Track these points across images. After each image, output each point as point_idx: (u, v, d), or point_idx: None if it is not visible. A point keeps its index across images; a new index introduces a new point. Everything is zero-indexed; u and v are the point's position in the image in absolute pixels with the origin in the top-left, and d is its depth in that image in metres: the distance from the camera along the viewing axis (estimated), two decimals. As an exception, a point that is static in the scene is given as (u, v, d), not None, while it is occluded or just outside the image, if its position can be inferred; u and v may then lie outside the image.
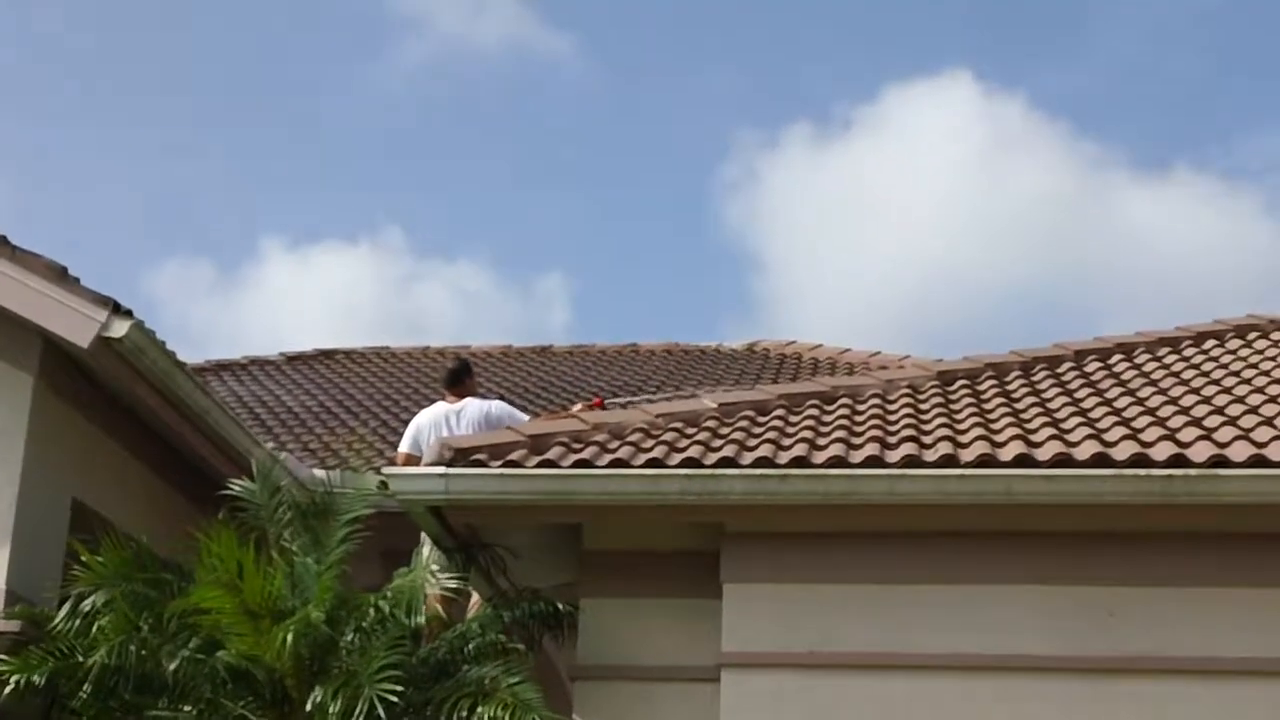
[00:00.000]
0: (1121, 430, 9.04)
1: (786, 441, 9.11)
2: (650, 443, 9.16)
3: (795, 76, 39.94)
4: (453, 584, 9.17)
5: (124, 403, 10.53)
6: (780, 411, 10.01)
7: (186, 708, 8.75)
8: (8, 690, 8.86)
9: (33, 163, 38.52)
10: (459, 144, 40.37)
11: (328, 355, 18.67)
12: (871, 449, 8.79)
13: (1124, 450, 8.59)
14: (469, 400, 11.04)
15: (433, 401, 11.96)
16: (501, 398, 13.49)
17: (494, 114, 39.94)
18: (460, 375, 11.47)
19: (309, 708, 8.48)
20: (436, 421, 10.83)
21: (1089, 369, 11.24)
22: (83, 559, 9.04)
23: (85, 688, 8.80)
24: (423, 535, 9.55)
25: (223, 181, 39.41)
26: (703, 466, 8.69)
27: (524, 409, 14.36)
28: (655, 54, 39.09)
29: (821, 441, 9.10)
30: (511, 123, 40.06)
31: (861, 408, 10.14)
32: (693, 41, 39.42)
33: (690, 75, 40.12)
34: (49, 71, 37.88)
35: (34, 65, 37.86)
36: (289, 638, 8.43)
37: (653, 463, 8.76)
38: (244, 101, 39.15)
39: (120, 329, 9.62)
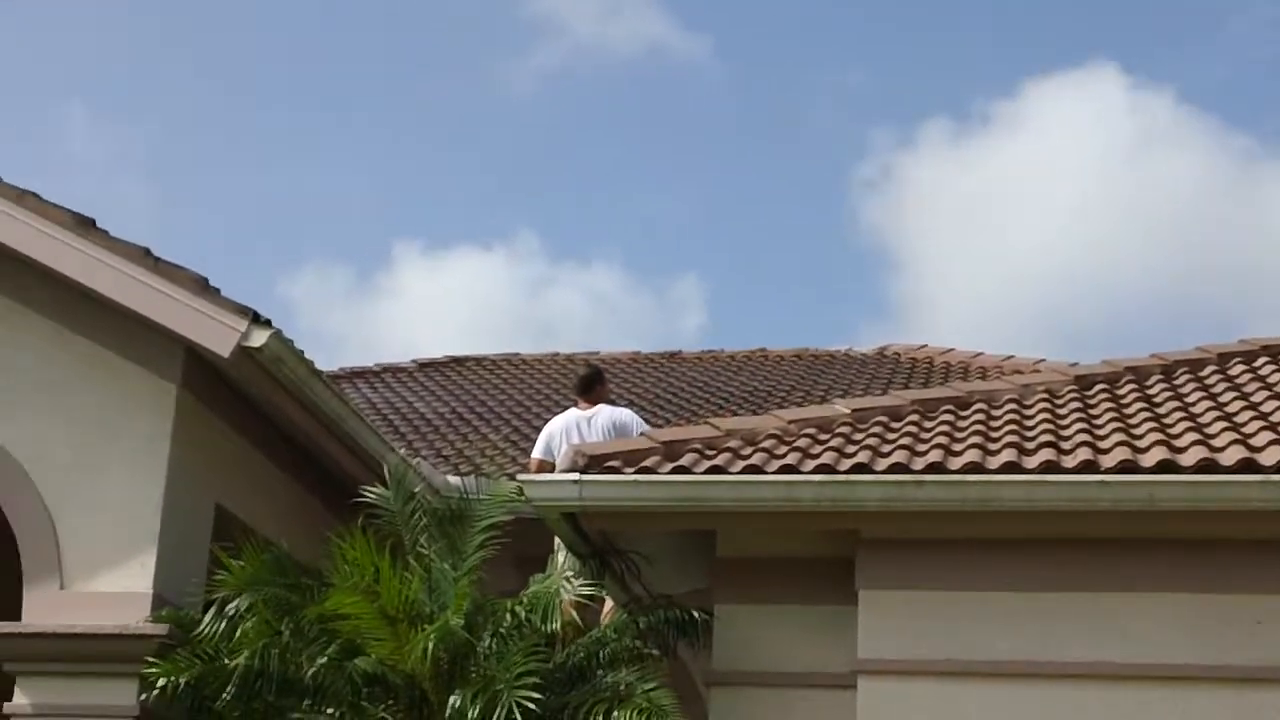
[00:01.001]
0: (1268, 435, 8.85)
1: (921, 447, 9.04)
2: (784, 449, 9.13)
3: (931, 72, 39.51)
4: (588, 590, 9.21)
5: (263, 410, 10.69)
6: (914, 417, 9.95)
7: (328, 711, 8.87)
8: (155, 692, 9.04)
9: (177, 170, 39.20)
10: (594, 147, 40.47)
11: (459, 362, 18.82)
12: (1009, 455, 8.70)
13: (1271, 455, 8.42)
14: (600, 407, 11.08)
15: (564, 408, 12.02)
16: (631, 404, 13.54)
17: (629, 116, 39.93)
18: (592, 382, 11.51)
19: (447, 713, 8.56)
20: (568, 428, 10.89)
21: (1233, 372, 11.03)
22: (225, 564, 9.20)
23: (229, 690, 8.96)
24: (557, 541, 9.60)
25: (360, 186, 39.79)
26: (837, 472, 8.65)
27: (653, 415, 14.44)
28: (790, 53, 38.85)
29: (957, 447, 9.02)
30: (646, 125, 40.04)
31: (997, 413, 10.04)
32: (827, 40, 39.19)
33: (825, 74, 39.92)
34: (186, 80, 38.51)
35: (172, 75, 38.52)
36: (429, 644, 8.51)
37: (786, 469, 8.74)
38: (379, 106, 39.51)
39: (260, 338, 9.77)
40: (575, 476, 8.76)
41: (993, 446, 9.00)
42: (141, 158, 39.31)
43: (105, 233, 10.01)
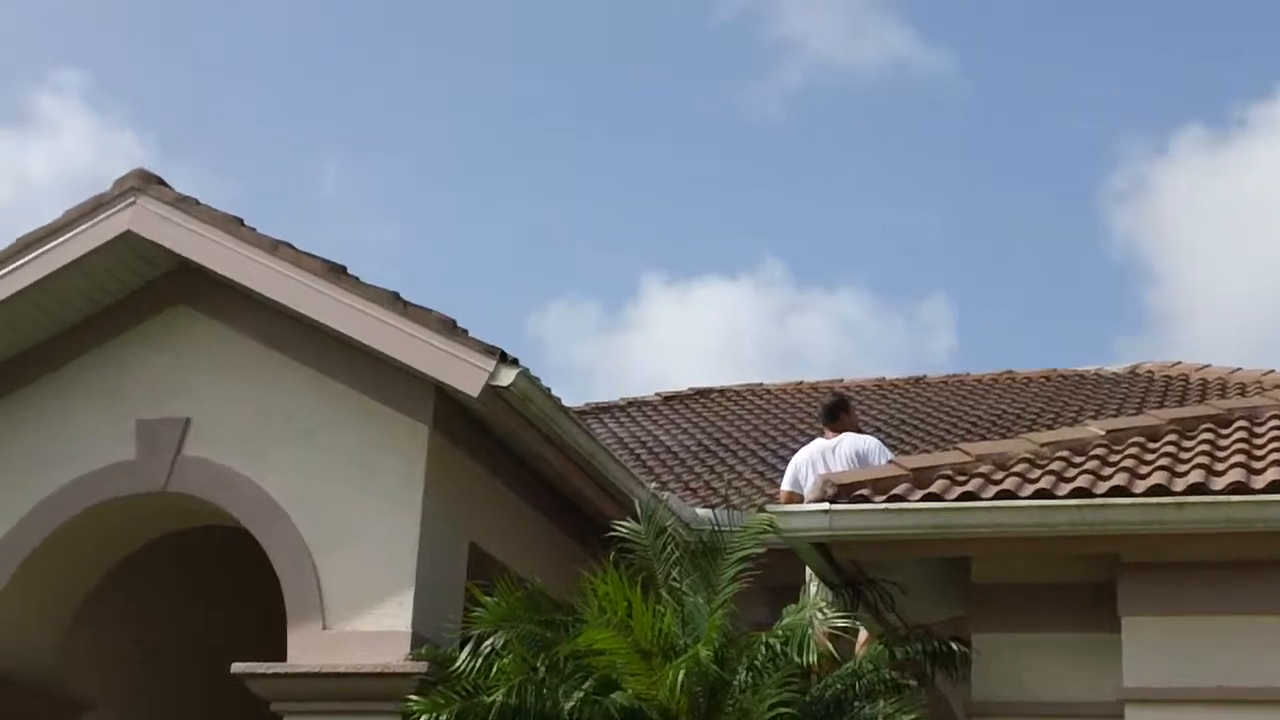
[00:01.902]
0: None
1: (1181, 468, 8.76)
2: (1037, 473, 8.94)
3: (1184, 78, 38.44)
4: (841, 621, 9.12)
5: (513, 448, 10.82)
6: (1172, 437, 9.65)
7: (585, 747, 8.90)
8: (416, 729, 9.18)
9: (424, 209, 40.03)
10: (838, 168, 40.25)
11: (703, 394, 18.85)
12: (1274, 473, 8.37)
13: None
14: (845, 435, 10.99)
15: (809, 437, 11.94)
16: (876, 431, 13.40)
17: (873, 135, 39.64)
18: (836, 410, 11.42)
19: (703, 746, 8.53)
20: (814, 459, 10.82)
21: None
22: (481, 602, 9.31)
23: (487, 726, 9.04)
24: (809, 572, 9.52)
25: (606, 220, 40.21)
26: (1093, 496, 8.42)
27: (899, 442, 14.27)
28: (1036, 64, 38.19)
29: (1219, 467, 8.72)
30: (892, 144, 39.72)
31: (1260, 430, 9.69)
32: (1073, 50, 38.41)
33: (1072, 84, 39.11)
34: (438, 123, 39.34)
35: (423, 119, 39.38)
36: (680, 676, 8.50)
37: (1041, 493, 8.54)
38: (622, 137, 39.86)
39: (507, 377, 9.89)
40: (825, 506, 8.68)
41: (1257, 465, 8.67)
42: (394, 200, 40.26)
43: (356, 279, 10.25)
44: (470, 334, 10.04)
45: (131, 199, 10.57)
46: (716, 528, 9.68)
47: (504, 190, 39.99)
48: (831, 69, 40.79)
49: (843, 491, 8.78)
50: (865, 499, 8.70)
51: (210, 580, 12.50)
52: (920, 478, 8.94)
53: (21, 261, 10.57)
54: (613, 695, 8.89)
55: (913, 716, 8.36)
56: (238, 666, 9.96)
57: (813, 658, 8.88)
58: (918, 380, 19.00)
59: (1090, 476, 8.68)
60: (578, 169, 39.36)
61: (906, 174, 39.44)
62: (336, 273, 10.26)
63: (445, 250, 40.09)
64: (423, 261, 38.95)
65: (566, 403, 10.92)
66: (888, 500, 8.67)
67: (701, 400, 18.53)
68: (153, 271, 10.86)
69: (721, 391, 18.98)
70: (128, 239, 10.59)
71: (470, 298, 38.80)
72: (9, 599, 10.61)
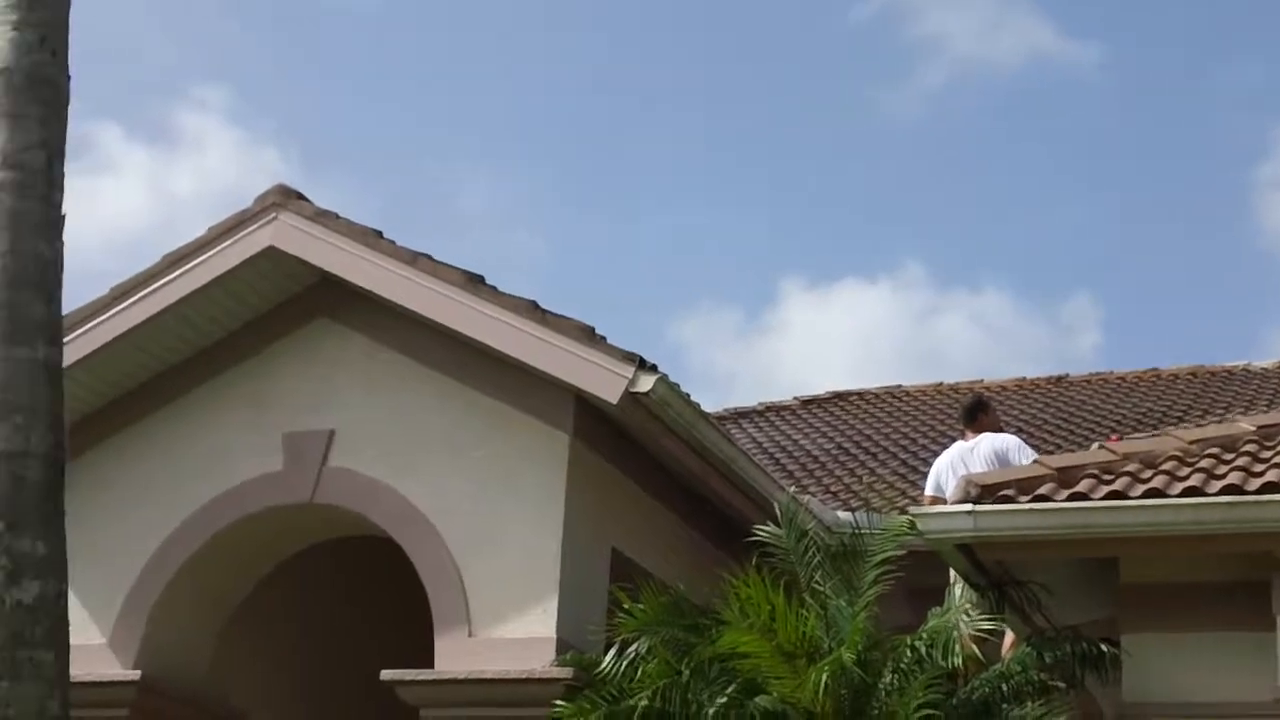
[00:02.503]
0: None
1: (1335, 463, 8.57)
2: (1186, 470, 8.78)
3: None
4: (987, 623, 9.02)
5: (653, 454, 10.84)
6: (1326, 431, 9.44)
7: (732, 751, 8.89)
8: (564, 734, 9.23)
9: (563, 218, 40.13)
10: (978, 167, 39.58)
11: (841, 398, 18.76)
12: None
13: None
14: (983, 436, 10.88)
15: (948, 439, 11.85)
16: (1019, 431, 13.24)
17: (1014, 132, 38.91)
18: (975, 411, 11.31)
19: (849, 750, 8.49)
20: (954, 462, 10.72)
21: None
22: (624, 607, 9.34)
23: (633, 730, 9.07)
24: (953, 574, 9.44)
25: (745, 224, 40.07)
26: (1245, 493, 8.26)
27: (1041, 442, 14.09)
28: (1179, 55, 37.19)
29: (1375, 461, 8.52)
30: (1032, 139, 38.95)
31: None
32: (1217, 38, 37.35)
33: (1218, 73, 38.14)
34: (566, 131, 39.49)
35: (554, 127, 39.58)
36: (824, 679, 8.47)
37: (1191, 491, 8.39)
38: (759, 142, 39.68)
39: (646, 383, 9.91)
40: (969, 507, 8.60)
41: None
42: (535, 210, 40.51)
43: (494, 289, 10.33)
44: (609, 341, 10.08)
45: (273, 214, 10.75)
46: (857, 530, 9.63)
47: (644, 198, 40.04)
48: (972, 66, 40.21)
49: (986, 492, 8.69)
50: (1010, 499, 8.60)
51: (356, 589, 12.67)
52: (1066, 477, 8.82)
53: (168, 278, 10.79)
54: (757, 699, 8.87)
55: (1062, 719, 8.25)
56: (387, 674, 10.09)
57: (959, 660, 8.80)
58: (1060, 379, 18.75)
59: (1241, 473, 8.51)
60: (716, 174, 39.22)
61: (1049, 171, 38.74)
62: (475, 283, 10.35)
63: (585, 259, 40.20)
64: (563, 270, 39.09)
65: (706, 408, 10.92)
66: (1033, 500, 8.57)
67: (839, 404, 18.44)
68: (295, 285, 11.03)
69: (860, 395, 18.87)
70: (270, 254, 10.78)
71: (611, 306, 38.86)
72: (164, 610, 10.83)
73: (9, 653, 5.98)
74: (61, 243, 6.43)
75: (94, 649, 10.44)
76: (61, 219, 6.45)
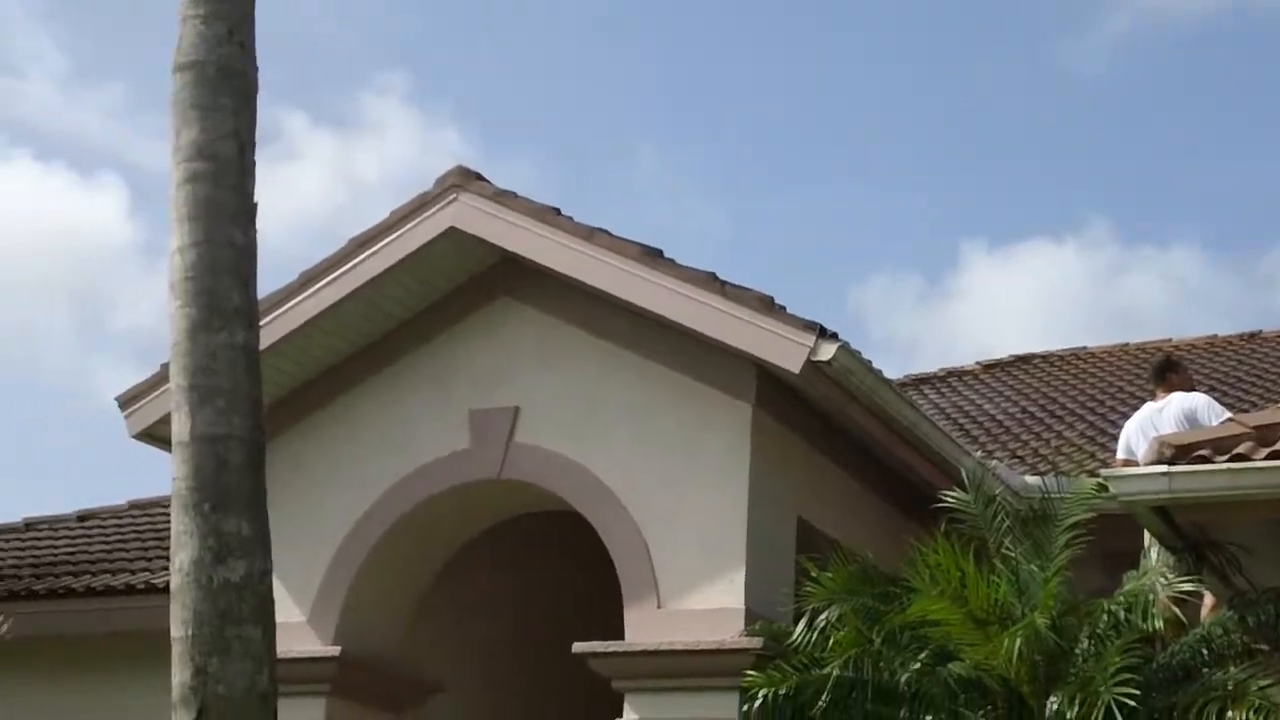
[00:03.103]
0: None
1: None
2: (1390, 425, 8.55)
3: None
4: (1186, 585, 8.87)
5: (835, 422, 10.81)
6: None
7: (926, 718, 8.86)
8: (756, 704, 9.26)
9: (741, 188, 40.07)
10: (1167, 117, 38.41)
11: (1024, 361, 18.51)
12: None
13: None
14: (1173, 396, 10.67)
15: (1137, 400, 11.67)
16: (1210, 390, 12.97)
17: (1202, 81, 37.68)
18: (1164, 370, 11.11)
19: (1046, 715, 8.41)
20: (1143, 424, 10.54)
21: None
22: (813, 576, 9.34)
23: (824, 699, 9.06)
24: (1147, 537, 9.29)
25: (923, 188, 39.52)
26: None
27: (1235, 400, 13.78)
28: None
29: None
30: (1222, 87, 37.58)
31: None
32: None
33: None
34: (741, 103, 39.28)
35: (725, 98, 39.43)
36: (1018, 645, 8.40)
37: (1396, 446, 8.17)
38: (933, 104, 39.15)
39: (827, 352, 9.87)
40: (1164, 469, 8.46)
41: None
42: (713, 181, 40.40)
43: (673, 261, 10.36)
44: (789, 311, 10.06)
45: (453, 196, 10.88)
46: (1046, 495, 9.52)
47: (821, 165, 39.74)
48: (1157, 12, 39.15)
49: (1181, 452, 8.54)
50: (1205, 459, 8.44)
51: (544, 563, 12.82)
52: (1264, 435, 8.62)
53: (353, 263, 10.97)
54: (949, 665, 8.84)
55: (1268, 683, 8.08)
56: (578, 646, 10.20)
57: (1158, 624, 8.67)
58: (1253, 336, 18.28)
59: None
60: (894, 137, 38.75)
61: (1240, 119, 37.51)
62: (653, 256, 10.39)
63: (766, 228, 39.97)
64: (743, 240, 38.92)
65: (888, 375, 10.85)
66: (1230, 460, 8.40)
67: (1023, 367, 18.20)
68: (476, 265, 11.16)
69: (1044, 357, 18.60)
70: (451, 235, 10.91)
71: (791, 274, 38.65)
72: (359, 588, 11.05)
73: (218, 630, 6.15)
74: (255, 230, 6.59)
75: (294, 626, 10.68)
76: (254, 207, 6.61)
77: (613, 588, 10.41)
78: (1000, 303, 38.49)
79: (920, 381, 17.50)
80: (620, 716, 10.07)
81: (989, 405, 16.08)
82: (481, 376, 11.04)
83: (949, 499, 9.66)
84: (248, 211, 6.56)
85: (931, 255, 41.39)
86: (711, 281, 10.19)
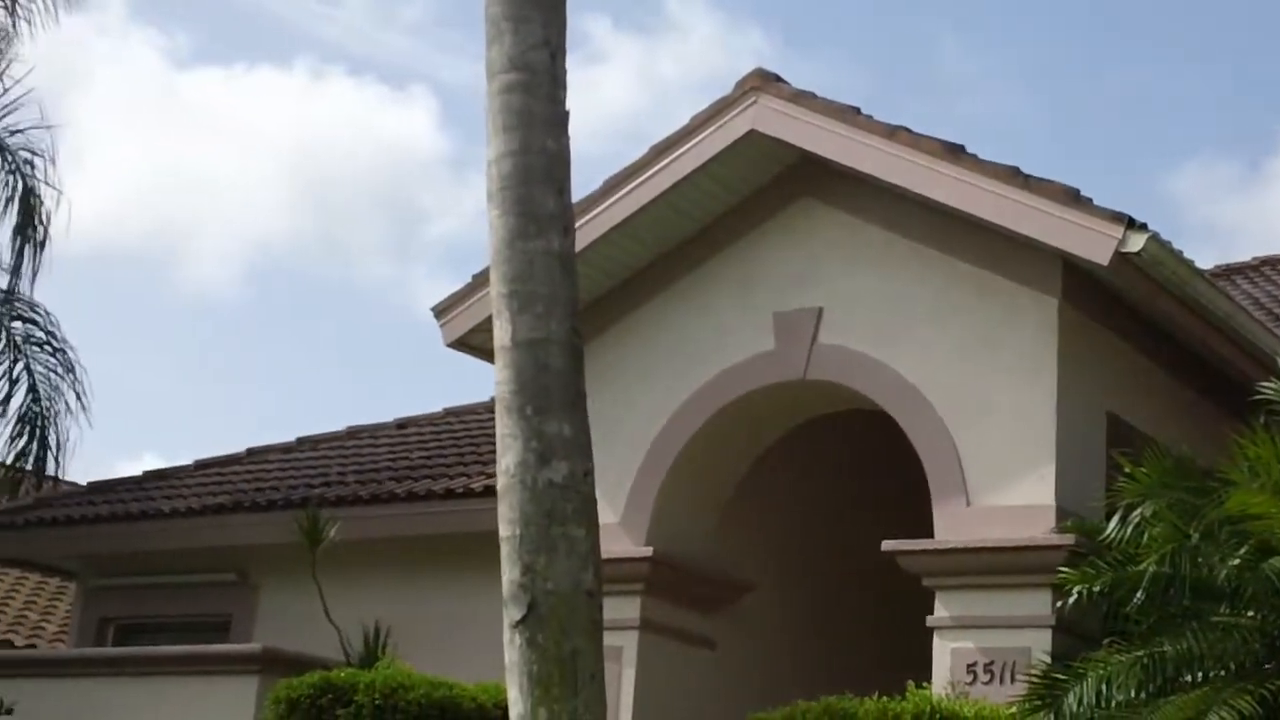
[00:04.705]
0: None
1: None
2: None
3: None
4: None
5: (1145, 315, 10.59)
6: None
7: (1247, 614, 8.68)
8: (1070, 600, 9.19)
9: (1049, 75, 38.94)
10: None
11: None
12: None
13: None
14: None
15: None
16: None
17: None
18: None
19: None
20: None
21: None
22: (1126, 471, 9.19)
23: (1139, 595, 8.94)
24: None
25: (1240, 70, 37.84)
26: None
27: None
28: None
29: None
30: None
31: None
32: None
33: None
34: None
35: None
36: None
37: None
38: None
39: (1136, 243, 9.66)
40: None
41: None
42: (1020, 69, 39.39)
43: (975, 156, 10.24)
44: (1095, 203, 9.87)
45: (752, 99, 10.91)
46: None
47: (1132, 48, 38.40)
48: None
49: None
50: None
51: (849, 463, 12.87)
52: None
53: (656, 169, 11.11)
54: (1271, 561, 8.62)
55: None
56: (888, 544, 10.25)
57: None
58: None
59: None
60: (1211, 19, 37.14)
61: None
62: (955, 152, 10.28)
63: (1072, 116, 38.87)
64: (1055, 131, 37.90)
65: (1201, 265, 10.56)
66: None
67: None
68: (776, 167, 11.19)
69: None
70: (751, 138, 10.95)
71: (1102, 163, 37.55)
72: (668, 490, 11.26)
73: (544, 530, 6.34)
74: (567, 137, 6.72)
75: (608, 528, 10.78)
76: (566, 114, 6.73)
77: (915, 486, 10.42)
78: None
79: (1232, 272, 16.97)
80: (931, 614, 10.11)
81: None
82: (784, 278, 11.10)
83: (1267, 390, 9.39)
84: (560, 119, 6.67)
85: (1250, 139, 39.79)
86: (1014, 175, 10.05)
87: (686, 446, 11.21)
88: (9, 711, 11.20)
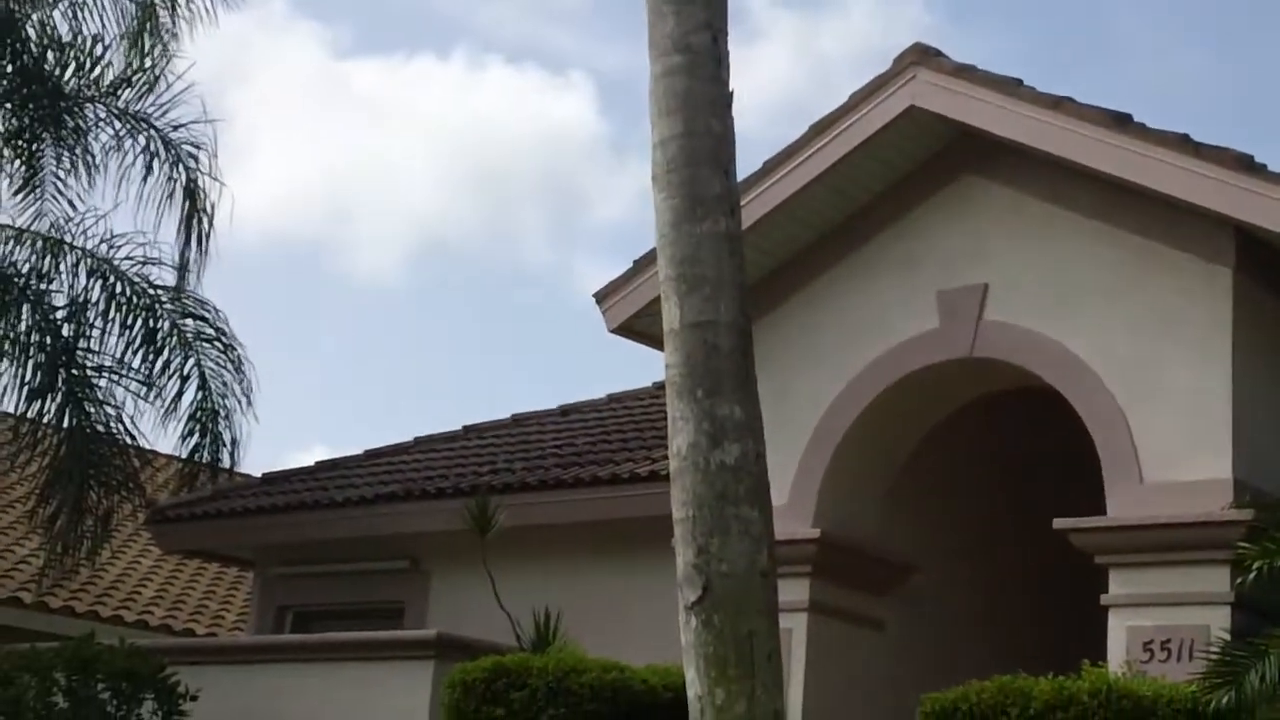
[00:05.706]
0: None
1: None
2: None
3: None
4: None
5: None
6: None
7: None
8: (1250, 577, 9.00)
9: (1229, 34, 37.89)
10: None
11: None
12: None
13: None
14: None
15: None
16: None
17: None
18: None
19: None
20: None
21: None
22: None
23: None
24: None
25: None
26: None
27: None
28: None
29: None
30: None
31: None
32: None
33: None
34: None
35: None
36: None
37: None
38: None
39: (1313, 209, 9.45)
40: None
41: None
42: (1197, 27, 38.34)
43: (1142, 125, 10.05)
44: (1269, 169, 9.64)
45: (911, 74, 10.80)
46: None
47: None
48: None
49: None
50: None
51: (1016, 441, 12.71)
52: None
53: (814, 148, 11.06)
54: None
55: None
56: (1060, 522, 10.12)
57: None
58: None
59: None
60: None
61: None
62: (1121, 122, 10.10)
63: (1260, 76, 37.79)
64: (1236, 91, 36.79)
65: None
66: None
67: None
68: (937, 143, 11.08)
69: None
70: (911, 114, 10.85)
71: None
72: (834, 471, 11.21)
73: (717, 511, 6.37)
74: (731, 117, 6.72)
75: (775, 510, 10.84)
76: (729, 95, 6.73)
77: (1085, 463, 10.26)
78: None
79: None
80: (1106, 593, 9.96)
81: None
82: (948, 255, 10.99)
83: None
84: (724, 99, 6.68)
85: None
86: (1184, 143, 9.85)
87: (852, 428, 11.15)
88: (194, 699, 11.45)
